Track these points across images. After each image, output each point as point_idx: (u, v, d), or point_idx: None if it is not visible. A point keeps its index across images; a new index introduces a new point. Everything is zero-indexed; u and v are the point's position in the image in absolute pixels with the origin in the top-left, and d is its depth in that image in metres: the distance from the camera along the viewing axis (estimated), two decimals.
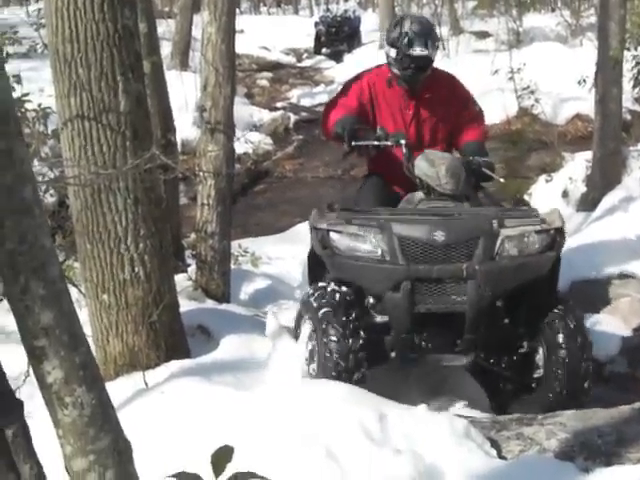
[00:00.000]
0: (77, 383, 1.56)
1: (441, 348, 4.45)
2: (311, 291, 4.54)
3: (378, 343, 4.45)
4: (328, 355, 4.22)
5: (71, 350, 1.56)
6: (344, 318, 4.25)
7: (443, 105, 5.10)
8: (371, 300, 4.56)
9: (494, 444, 3.67)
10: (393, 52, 4.97)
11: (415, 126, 5.09)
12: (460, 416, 3.94)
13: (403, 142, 4.79)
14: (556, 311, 4.44)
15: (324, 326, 4.26)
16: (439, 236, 4.30)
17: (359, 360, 4.23)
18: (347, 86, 5.19)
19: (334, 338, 4.21)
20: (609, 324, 5.87)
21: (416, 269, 4.28)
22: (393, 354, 4.51)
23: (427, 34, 4.94)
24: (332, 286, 4.46)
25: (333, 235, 4.46)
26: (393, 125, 5.04)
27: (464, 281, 4.28)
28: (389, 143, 4.80)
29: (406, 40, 4.88)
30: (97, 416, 1.60)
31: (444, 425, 3.54)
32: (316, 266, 4.95)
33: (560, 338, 4.36)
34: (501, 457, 3.60)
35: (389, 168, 5.00)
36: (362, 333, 4.26)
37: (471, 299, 4.27)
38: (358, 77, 5.21)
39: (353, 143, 4.78)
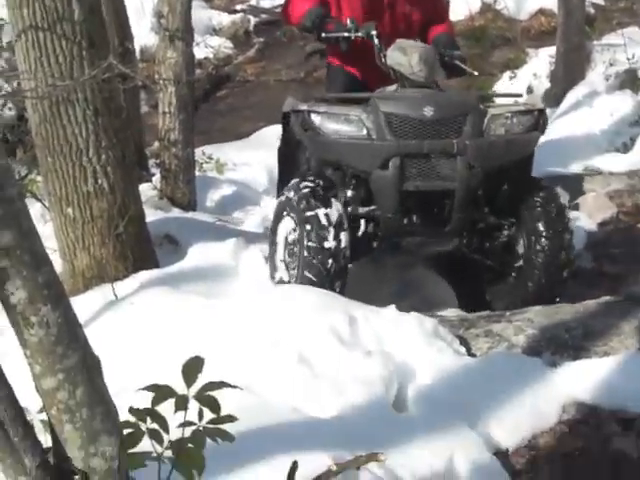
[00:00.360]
0: (42, 302, 1.55)
1: (428, 231, 4.40)
2: (288, 187, 4.41)
3: (361, 236, 4.43)
4: (310, 258, 4.15)
5: (34, 269, 1.54)
6: (328, 211, 4.16)
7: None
8: (349, 193, 4.47)
9: (463, 342, 3.72)
10: None
11: (390, 16, 4.93)
12: (429, 315, 3.98)
13: (374, 32, 4.63)
14: (537, 198, 4.43)
15: (307, 226, 4.17)
16: (428, 111, 4.23)
17: (342, 267, 4.19)
18: None
19: (316, 240, 4.14)
20: (575, 219, 5.89)
21: (406, 144, 4.21)
22: (375, 243, 4.47)
23: None
24: (309, 179, 4.36)
25: (315, 116, 4.35)
26: (363, 15, 4.83)
27: (454, 157, 4.23)
28: (360, 34, 4.64)
29: None
30: (64, 334, 1.58)
31: (413, 325, 3.57)
32: (288, 162, 4.90)
33: (540, 226, 4.36)
34: (470, 354, 3.66)
35: (360, 61, 4.87)
36: (346, 229, 4.18)
37: (461, 175, 4.23)
38: None
39: (323, 35, 4.68)
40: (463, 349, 3.64)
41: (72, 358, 1.58)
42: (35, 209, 5.54)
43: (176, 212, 6.22)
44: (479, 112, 4.34)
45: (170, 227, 5.31)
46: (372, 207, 4.40)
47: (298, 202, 4.25)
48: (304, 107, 4.42)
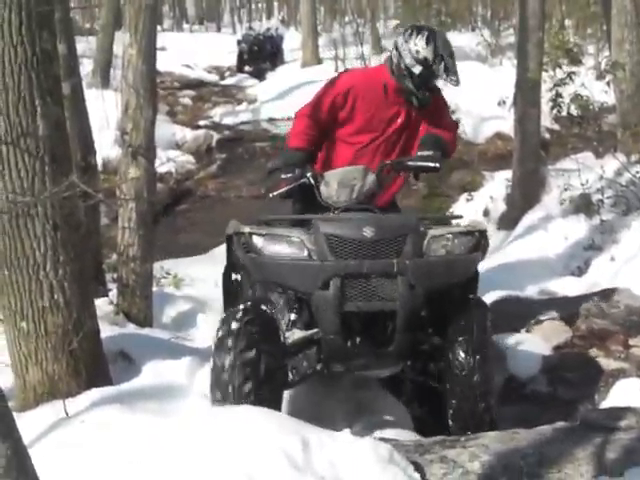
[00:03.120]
0: None
1: (371, 352, 4.36)
2: (222, 316, 4.44)
3: (304, 358, 4.42)
4: (217, 383, 4.18)
5: None
6: (241, 345, 4.14)
7: (427, 118, 5.07)
8: (292, 316, 4.51)
9: (418, 468, 3.67)
10: (418, 70, 4.85)
11: (397, 134, 5.06)
12: (384, 440, 3.95)
13: (309, 175, 4.72)
14: (462, 323, 4.42)
15: (216, 355, 4.20)
16: (368, 232, 4.25)
17: (246, 392, 4.14)
18: (324, 94, 5.07)
19: (222, 368, 4.16)
20: (530, 343, 5.94)
21: (346, 265, 4.21)
22: (319, 366, 4.44)
23: (455, 62, 4.90)
24: (241, 309, 4.32)
25: (256, 239, 4.38)
26: (368, 130, 5.01)
27: (394, 277, 4.23)
28: (299, 182, 4.73)
29: (443, 66, 4.81)
30: (12, 467, 1.55)
31: (368, 451, 3.53)
32: (233, 284, 4.92)
33: (459, 354, 4.34)
34: None
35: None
36: (261, 360, 4.15)
37: (402, 296, 4.21)
38: (341, 83, 5.08)
39: (272, 195, 4.83)
40: (417, 475, 3.59)
41: None
42: None
43: (132, 328, 6.18)
44: (419, 233, 4.38)
45: (125, 343, 5.26)
46: (315, 330, 4.39)
47: (235, 338, 4.21)
48: (246, 229, 4.44)
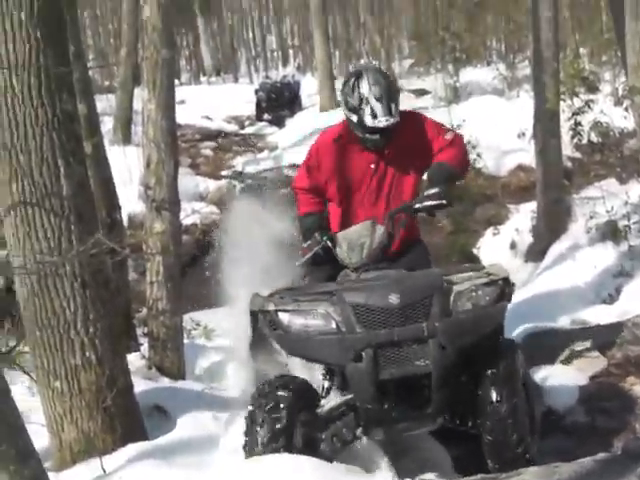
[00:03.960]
0: None
1: (409, 415, 4.32)
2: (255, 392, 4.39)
3: (343, 425, 4.38)
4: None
5: (19, 463, 1.52)
6: (276, 415, 4.12)
7: (408, 151, 4.98)
8: (326, 384, 4.49)
9: None
10: (355, 118, 4.84)
11: (377, 182, 5.01)
12: None
13: (325, 239, 4.80)
14: (490, 362, 4.39)
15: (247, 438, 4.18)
16: (394, 299, 4.22)
17: None
18: (305, 160, 5.19)
19: (256, 440, 4.11)
20: (565, 374, 5.89)
21: (376, 335, 4.19)
22: (359, 431, 4.39)
23: (389, 97, 4.80)
24: (273, 386, 4.29)
25: (282, 315, 4.35)
26: (349, 188, 5.01)
27: (425, 341, 4.20)
28: (318, 248, 4.80)
29: (369, 110, 4.76)
30: None
31: None
32: (261, 359, 4.90)
33: (487, 388, 4.31)
34: None
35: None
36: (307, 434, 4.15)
37: (435, 358, 4.18)
38: (313, 149, 5.17)
39: (298, 264, 4.92)
40: None
41: None
42: (22, 382, 5.50)
43: (165, 381, 6.18)
44: (444, 291, 4.34)
45: (159, 397, 5.26)
46: (350, 395, 4.36)
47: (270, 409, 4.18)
48: (271, 307, 4.41)
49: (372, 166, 4.98)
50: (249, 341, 5.17)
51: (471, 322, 4.35)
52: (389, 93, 4.82)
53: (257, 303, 4.59)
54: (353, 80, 4.88)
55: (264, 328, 4.50)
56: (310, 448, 4.15)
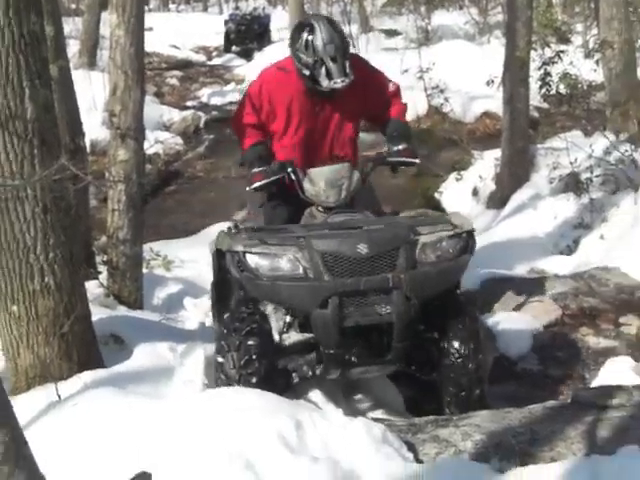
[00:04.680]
0: None
1: (369, 360, 4.41)
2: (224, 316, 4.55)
3: (303, 363, 4.47)
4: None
5: None
6: (247, 344, 4.25)
7: (357, 98, 4.96)
8: (287, 319, 4.54)
9: (411, 447, 3.69)
10: (307, 73, 4.78)
11: (322, 122, 5.02)
12: (376, 420, 3.96)
13: (290, 170, 4.78)
14: (454, 316, 4.49)
15: (222, 354, 4.29)
16: (362, 248, 4.25)
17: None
18: (248, 94, 5.12)
19: (231, 369, 4.23)
20: (520, 321, 5.97)
21: (343, 283, 4.22)
22: (318, 370, 4.46)
23: (343, 55, 4.74)
24: (239, 311, 4.45)
25: (251, 257, 4.35)
26: (300, 127, 5.00)
27: (390, 291, 4.26)
28: (279, 176, 4.79)
29: (324, 70, 4.71)
30: (10, 454, 1.55)
31: (361, 431, 3.55)
32: (223, 295, 4.95)
33: (454, 345, 4.41)
34: (418, 461, 3.63)
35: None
36: (266, 363, 4.26)
37: (399, 308, 4.24)
38: (254, 84, 5.13)
39: (248, 188, 4.86)
40: (411, 455, 3.61)
41: (18, 477, 1.54)
42: None
43: (123, 310, 6.18)
44: (411, 243, 4.37)
45: (116, 326, 5.25)
46: (312, 334, 4.42)
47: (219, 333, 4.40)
48: (239, 247, 4.39)
49: (320, 109, 4.99)
50: (212, 279, 5.18)
51: (435, 274, 4.39)
52: (343, 51, 4.76)
53: (225, 242, 4.57)
54: (306, 35, 4.79)
55: (231, 268, 4.48)
56: (267, 379, 4.22)
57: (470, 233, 4.55)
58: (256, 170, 4.86)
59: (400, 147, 4.91)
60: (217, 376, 4.33)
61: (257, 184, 4.83)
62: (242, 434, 3.40)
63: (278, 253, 4.34)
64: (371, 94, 5.04)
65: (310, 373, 4.48)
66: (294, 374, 4.47)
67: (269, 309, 4.63)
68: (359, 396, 4.90)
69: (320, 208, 4.71)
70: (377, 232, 4.41)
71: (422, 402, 4.76)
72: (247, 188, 4.89)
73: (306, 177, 4.74)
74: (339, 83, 4.72)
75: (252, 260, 4.34)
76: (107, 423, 3.73)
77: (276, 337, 4.50)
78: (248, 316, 4.40)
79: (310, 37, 4.76)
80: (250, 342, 4.25)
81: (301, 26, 4.91)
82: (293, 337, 4.54)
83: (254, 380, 4.18)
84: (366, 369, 4.48)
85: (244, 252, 4.37)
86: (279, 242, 4.39)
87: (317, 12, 29.54)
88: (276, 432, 3.42)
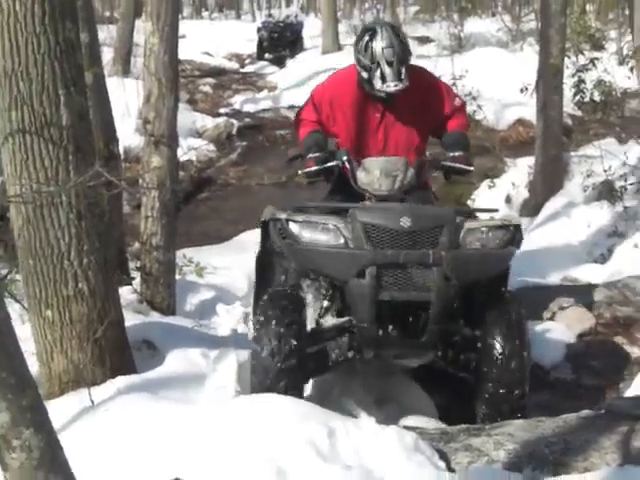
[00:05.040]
0: (24, 426, 1.52)
1: (404, 342, 4.38)
2: (262, 298, 4.52)
3: (336, 346, 4.47)
4: (260, 373, 4.24)
5: (18, 392, 1.52)
6: (281, 331, 4.23)
7: (416, 108, 4.98)
8: (325, 304, 4.55)
9: (443, 456, 3.68)
10: (365, 75, 4.82)
11: (383, 131, 5.01)
12: (408, 428, 3.95)
13: (345, 158, 4.76)
14: (498, 313, 4.43)
15: (257, 341, 4.28)
16: (405, 222, 4.26)
17: (292, 382, 4.22)
18: (311, 96, 5.15)
19: (266, 355, 4.22)
20: (554, 331, 5.93)
21: (382, 254, 4.22)
22: (351, 354, 4.48)
23: (400, 61, 4.77)
24: (278, 294, 4.47)
25: (293, 225, 4.40)
26: (357, 131, 5.00)
27: (430, 268, 4.24)
28: (334, 164, 4.79)
29: (379, 73, 4.74)
30: (45, 459, 1.55)
31: (393, 439, 3.54)
32: (266, 270, 4.94)
33: (496, 342, 4.34)
34: (450, 469, 3.61)
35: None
36: (299, 348, 4.24)
37: (437, 287, 4.22)
38: (321, 86, 5.18)
39: (300, 172, 4.86)
40: (443, 464, 3.59)
41: None
42: (14, 310, 5.51)
43: (155, 316, 6.20)
44: (455, 225, 4.38)
45: (149, 332, 5.28)
46: (348, 318, 4.43)
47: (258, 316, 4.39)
48: (282, 216, 4.46)
49: (377, 115, 4.98)
50: (256, 254, 5.17)
51: (477, 259, 4.39)
52: (401, 57, 4.78)
53: (269, 213, 4.64)
54: (367, 38, 4.84)
55: (274, 236, 4.55)
56: (301, 366, 4.24)
57: (517, 227, 4.54)
58: (311, 156, 4.86)
59: (456, 154, 4.89)
60: (251, 364, 4.33)
61: (309, 169, 4.83)
62: (274, 440, 3.40)
63: (320, 222, 4.38)
64: (432, 105, 5.05)
65: (341, 357, 4.49)
66: (329, 357, 4.49)
67: (309, 297, 4.64)
68: (391, 404, 4.89)
69: (373, 200, 4.66)
70: (422, 209, 4.44)
71: (455, 411, 4.74)
72: (299, 172, 4.88)
73: (360, 166, 4.71)
74: (392, 87, 4.74)
75: (294, 228, 4.40)
76: (139, 429, 3.74)
77: (312, 323, 4.51)
78: (288, 304, 4.39)
79: (370, 41, 4.80)
80: (288, 332, 4.23)
81: (364, 30, 4.97)
82: (329, 321, 4.54)
83: (289, 368, 4.18)
84: (399, 352, 4.45)
85: (287, 219, 4.43)
86: (322, 213, 4.46)
87: (350, 19, 29.62)
88: (308, 439, 3.42)
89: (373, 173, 4.64)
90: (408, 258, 4.24)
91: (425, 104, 5.02)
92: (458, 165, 4.87)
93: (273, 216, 4.54)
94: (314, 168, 4.81)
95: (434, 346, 4.43)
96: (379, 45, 4.77)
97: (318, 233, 4.36)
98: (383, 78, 4.75)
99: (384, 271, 4.24)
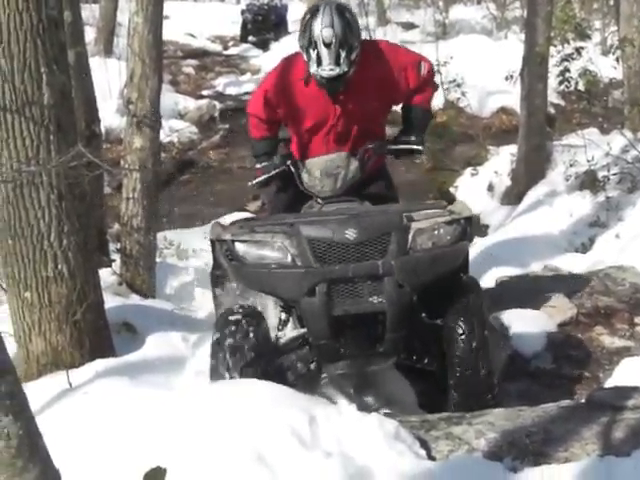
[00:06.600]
0: (3, 413, 1.48)
1: (362, 352, 4.29)
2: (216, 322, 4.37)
3: (297, 359, 4.38)
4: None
5: None
6: (236, 345, 4.10)
7: (375, 85, 4.67)
8: (283, 317, 4.44)
9: (423, 444, 3.65)
10: (305, 57, 4.52)
11: (344, 120, 4.74)
12: (389, 416, 3.93)
13: (288, 162, 4.66)
14: (458, 303, 4.34)
15: (213, 356, 4.15)
16: (350, 234, 4.12)
17: None
18: (262, 86, 4.93)
19: (222, 371, 4.10)
20: (534, 319, 5.91)
21: (330, 270, 4.10)
22: (312, 365, 4.38)
23: (341, 43, 4.40)
24: (232, 310, 4.31)
25: (239, 245, 4.25)
26: (314, 122, 4.76)
27: (380, 279, 4.13)
28: (278, 170, 4.69)
29: (315, 55, 4.43)
30: (25, 447, 1.52)
31: (374, 427, 3.52)
32: (222, 284, 4.83)
33: (459, 335, 4.26)
34: (430, 458, 3.59)
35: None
36: (256, 361, 4.10)
37: (390, 296, 4.11)
38: (273, 74, 4.89)
39: (250, 184, 4.83)
40: (423, 452, 3.57)
41: (32, 472, 1.52)
42: None
43: (135, 299, 6.17)
44: (403, 229, 4.23)
45: (129, 314, 5.25)
46: (305, 329, 4.33)
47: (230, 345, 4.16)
48: (227, 236, 4.30)
49: (336, 105, 4.70)
50: (210, 269, 5.13)
51: (429, 261, 4.25)
52: (341, 39, 4.40)
53: (215, 232, 4.46)
54: (308, 17, 4.53)
55: (220, 258, 4.40)
56: (265, 379, 4.05)
57: (468, 219, 4.39)
58: (258, 166, 4.81)
59: (410, 138, 4.78)
60: (210, 380, 4.18)
61: (258, 180, 4.78)
62: (254, 426, 3.38)
63: (266, 241, 4.23)
64: (394, 82, 4.76)
65: (304, 370, 4.38)
66: (289, 372, 4.36)
67: (270, 306, 4.56)
68: (372, 391, 4.86)
69: (319, 200, 4.59)
70: (366, 218, 4.27)
71: (435, 396, 4.72)
72: (249, 184, 4.85)
73: (304, 169, 4.61)
74: (327, 71, 4.42)
75: (240, 248, 4.25)
76: (118, 413, 3.71)
77: (273, 336, 4.38)
78: (243, 318, 4.24)
79: (310, 20, 4.49)
80: (245, 346, 4.12)
81: (309, 9, 4.65)
82: (289, 334, 4.44)
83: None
84: (360, 363, 4.34)
85: (232, 240, 4.28)
86: (268, 230, 4.29)
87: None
88: (289, 425, 3.39)
89: (314, 174, 4.54)
90: (357, 271, 4.11)
91: (385, 79, 4.71)
92: (404, 147, 4.76)
93: (219, 236, 4.37)
94: (262, 178, 4.75)
95: (395, 352, 4.34)
96: (318, 25, 4.43)
97: (264, 252, 4.22)
98: (318, 61, 4.43)
99: (334, 286, 4.11)
